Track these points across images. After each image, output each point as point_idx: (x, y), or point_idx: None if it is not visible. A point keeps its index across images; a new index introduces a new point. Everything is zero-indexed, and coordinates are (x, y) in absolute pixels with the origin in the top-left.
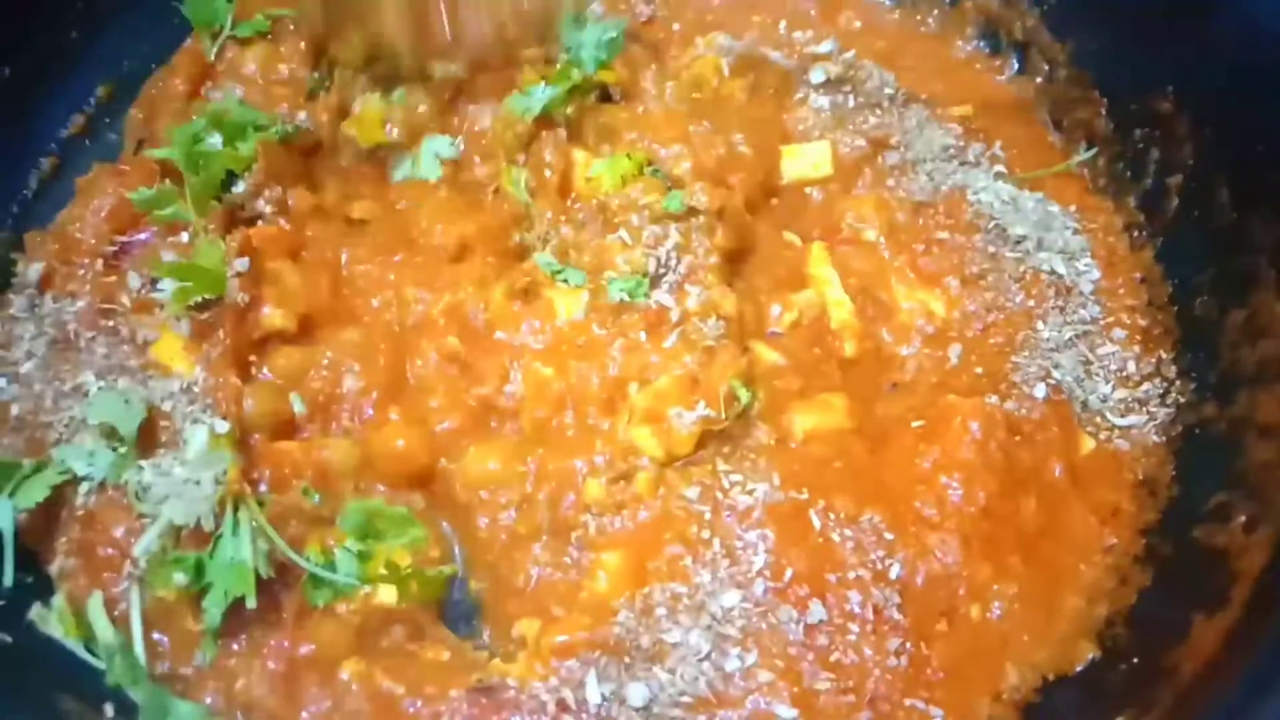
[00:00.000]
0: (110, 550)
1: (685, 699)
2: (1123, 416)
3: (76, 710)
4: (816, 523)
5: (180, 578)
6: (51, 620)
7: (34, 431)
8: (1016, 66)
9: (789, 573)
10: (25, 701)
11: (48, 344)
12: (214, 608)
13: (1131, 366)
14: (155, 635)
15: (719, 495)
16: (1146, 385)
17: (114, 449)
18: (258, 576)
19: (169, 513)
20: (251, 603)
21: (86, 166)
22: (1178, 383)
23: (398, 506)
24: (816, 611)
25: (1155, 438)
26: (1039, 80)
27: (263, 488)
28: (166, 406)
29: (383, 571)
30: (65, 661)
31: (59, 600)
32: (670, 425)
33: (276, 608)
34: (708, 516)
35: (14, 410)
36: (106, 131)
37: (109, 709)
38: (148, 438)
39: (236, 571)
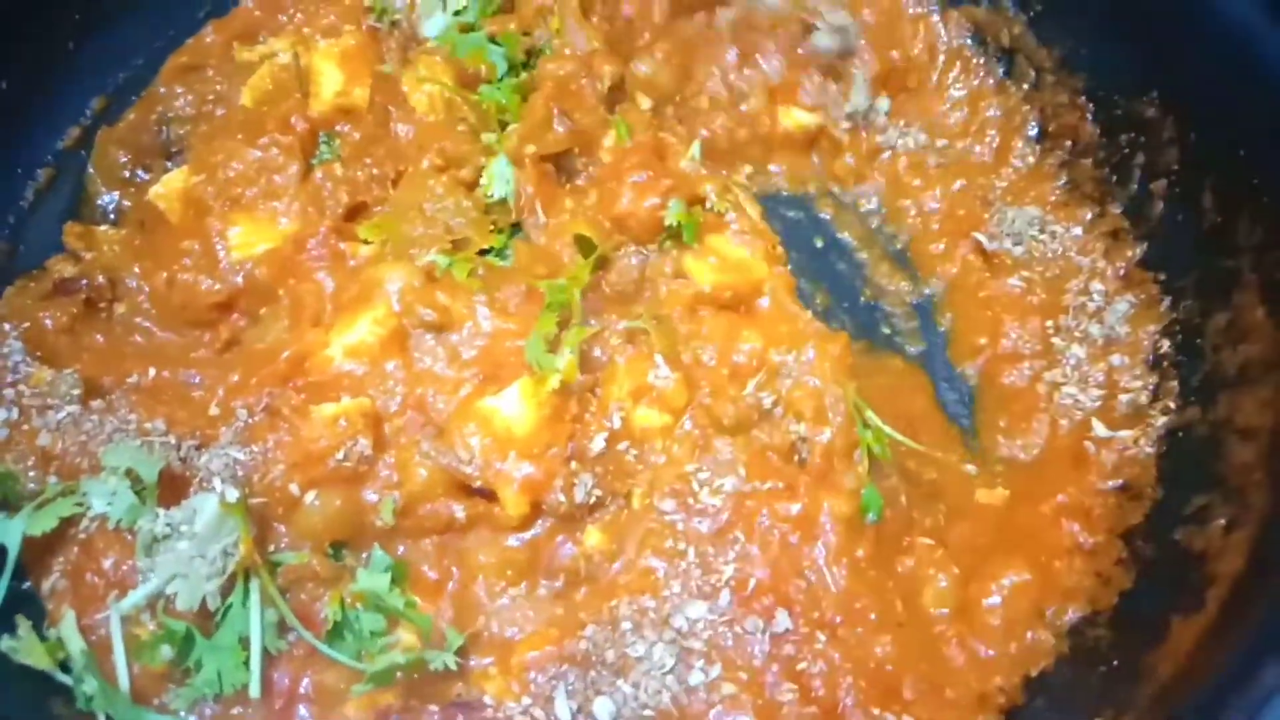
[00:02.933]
0: (98, 579)
1: (648, 713)
2: (1107, 419)
3: (67, 716)
4: (779, 528)
5: (166, 652)
6: (21, 651)
7: (68, 459)
8: (1003, 72)
9: (753, 582)
10: (18, 707)
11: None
12: (206, 689)
13: (1118, 370)
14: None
15: (691, 502)
16: (1134, 387)
17: (137, 492)
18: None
19: (170, 589)
20: (255, 690)
21: (82, 179)
22: (1163, 385)
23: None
24: (782, 621)
25: (1140, 440)
26: (1025, 86)
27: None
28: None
29: (380, 668)
30: None
31: (24, 630)
32: None
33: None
34: (681, 527)
35: (43, 440)
36: None
37: (101, 715)
38: (171, 488)
39: (234, 655)
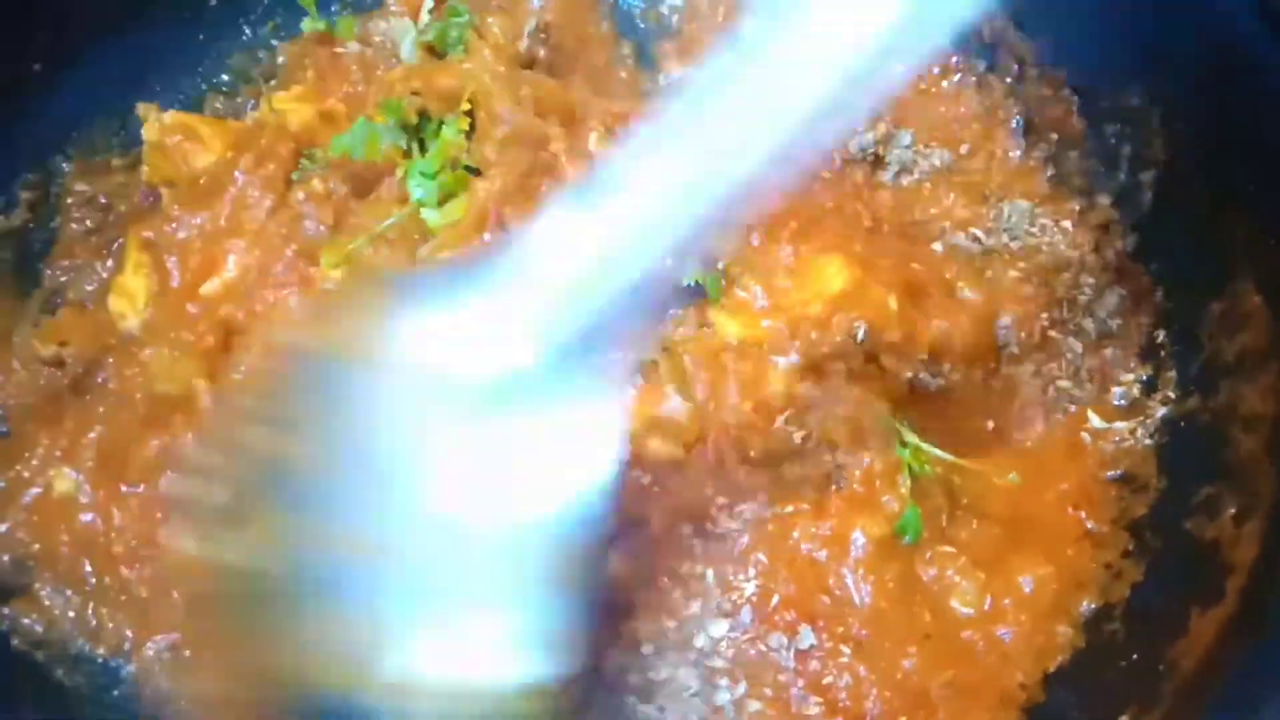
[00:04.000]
0: None
1: None
2: (1102, 412)
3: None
4: (804, 546)
5: None
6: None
7: None
8: (985, 66)
9: (776, 598)
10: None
11: None
12: None
13: (1113, 362)
14: None
15: (709, 526)
16: (1128, 379)
17: None
18: None
19: None
20: None
21: None
22: (1160, 376)
23: None
24: (807, 637)
25: (1138, 430)
26: (1008, 80)
27: None
28: None
29: None
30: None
31: None
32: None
33: None
34: (698, 550)
35: None
36: None
37: None
38: None
39: None
